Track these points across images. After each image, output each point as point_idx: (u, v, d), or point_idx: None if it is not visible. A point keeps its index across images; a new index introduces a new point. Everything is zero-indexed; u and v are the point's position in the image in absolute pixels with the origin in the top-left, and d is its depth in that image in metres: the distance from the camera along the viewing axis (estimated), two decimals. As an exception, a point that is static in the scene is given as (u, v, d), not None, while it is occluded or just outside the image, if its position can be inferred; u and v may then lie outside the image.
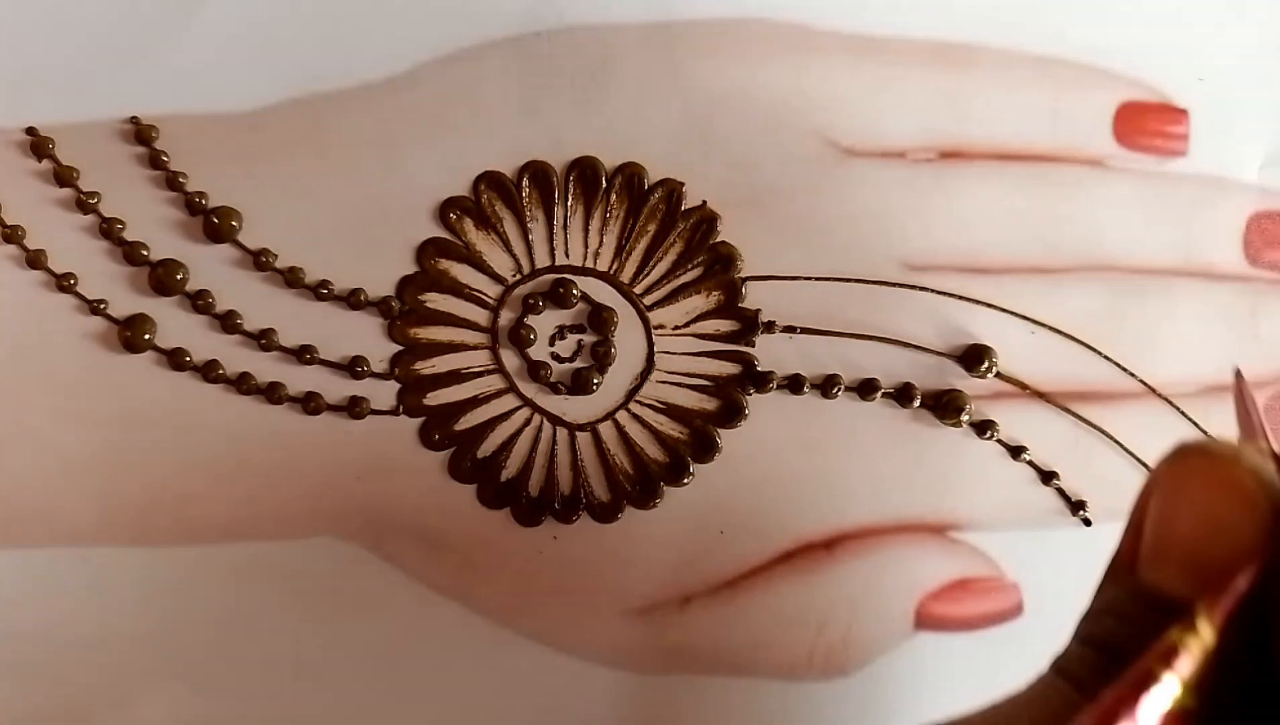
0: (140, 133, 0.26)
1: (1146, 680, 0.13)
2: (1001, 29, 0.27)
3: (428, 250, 0.26)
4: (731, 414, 0.27)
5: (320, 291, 0.26)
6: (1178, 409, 0.27)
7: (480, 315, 0.26)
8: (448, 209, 0.26)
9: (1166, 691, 0.13)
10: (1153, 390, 0.27)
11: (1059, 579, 0.26)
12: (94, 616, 0.25)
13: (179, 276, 0.26)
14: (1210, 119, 0.27)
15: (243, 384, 0.26)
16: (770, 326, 0.27)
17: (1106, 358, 0.27)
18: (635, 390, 0.27)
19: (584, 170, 0.26)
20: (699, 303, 0.27)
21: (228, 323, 0.26)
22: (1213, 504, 0.16)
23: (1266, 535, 0.15)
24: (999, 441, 0.27)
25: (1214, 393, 0.27)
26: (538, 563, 0.26)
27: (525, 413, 0.27)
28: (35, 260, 0.25)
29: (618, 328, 0.26)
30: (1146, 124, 0.27)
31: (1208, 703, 0.14)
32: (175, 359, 0.26)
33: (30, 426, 0.25)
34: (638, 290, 0.27)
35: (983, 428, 0.27)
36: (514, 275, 0.27)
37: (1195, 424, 0.27)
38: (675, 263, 0.27)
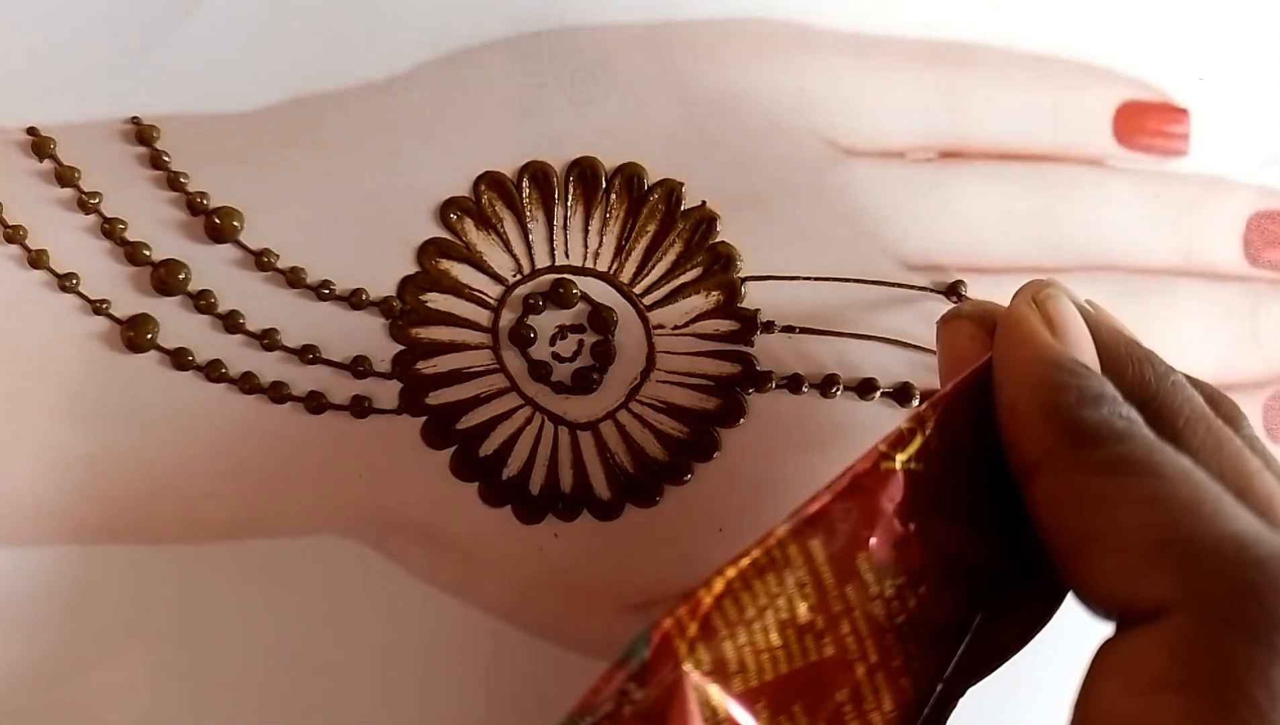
0: (141, 133, 0.26)
1: (874, 455, 0.19)
2: (1001, 28, 0.27)
3: (428, 250, 0.26)
4: (731, 413, 0.27)
5: (322, 291, 0.26)
6: (1177, 408, 0.27)
7: (481, 315, 0.27)
8: (448, 209, 0.26)
9: (894, 464, 0.18)
10: (1152, 389, 0.27)
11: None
12: (95, 615, 0.26)
13: (181, 276, 0.26)
14: (1211, 118, 0.27)
15: (245, 383, 0.26)
16: (769, 326, 0.27)
17: (1106, 357, 0.27)
18: (635, 390, 0.27)
19: (584, 170, 0.26)
20: (698, 302, 0.27)
21: (230, 322, 0.26)
22: (947, 349, 0.22)
23: (986, 352, 0.20)
24: (998, 440, 0.27)
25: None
26: (539, 560, 0.27)
27: (526, 412, 0.27)
28: (37, 260, 0.26)
29: (618, 327, 0.27)
30: (1147, 123, 0.27)
31: (937, 464, 0.19)
32: (178, 359, 0.26)
33: (33, 426, 0.26)
34: (637, 290, 0.27)
35: (982, 427, 0.27)
36: (514, 275, 0.27)
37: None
38: (675, 262, 0.27)
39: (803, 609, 0.18)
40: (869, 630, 0.18)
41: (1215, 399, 0.20)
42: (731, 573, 0.17)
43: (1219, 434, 0.19)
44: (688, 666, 0.17)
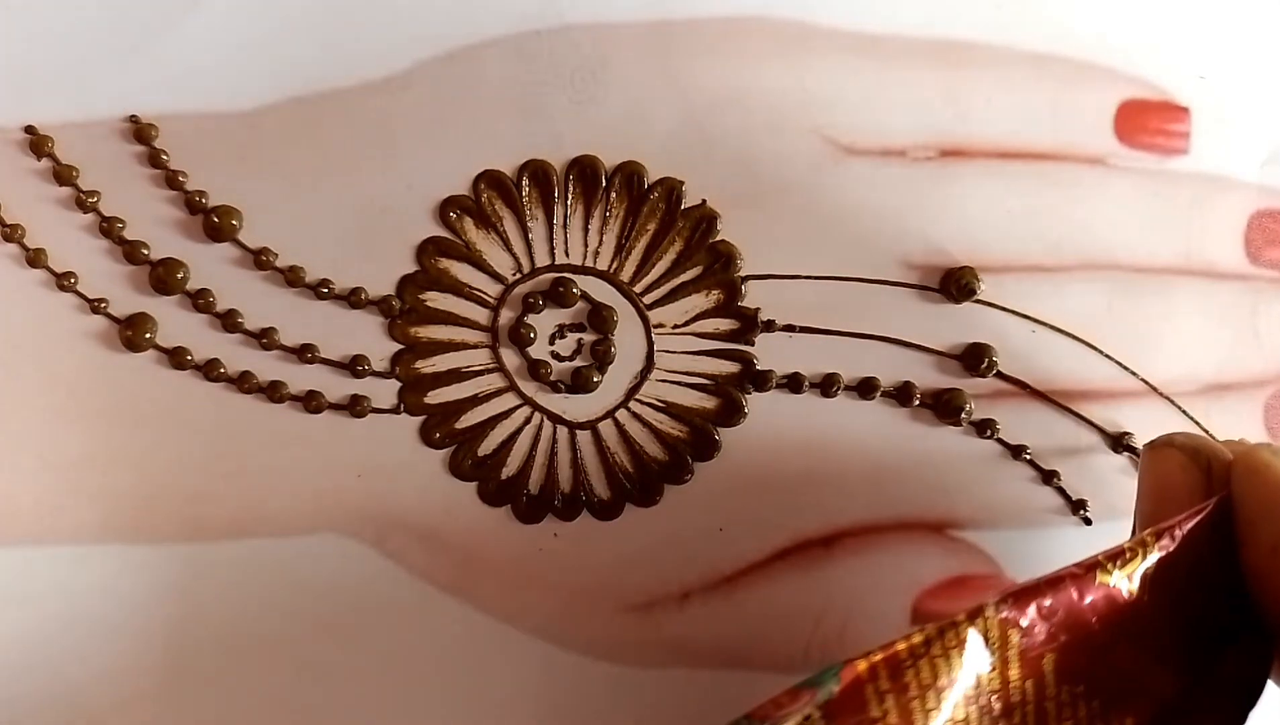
0: (140, 131, 0.26)
1: (1093, 566, 0.19)
2: (1002, 27, 0.27)
3: (428, 249, 0.26)
4: (731, 413, 0.27)
5: (321, 290, 0.26)
6: (1179, 408, 0.27)
7: (480, 314, 0.27)
8: (448, 208, 0.26)
9: (1109, 578, 0.19)
10: (1154, 389, 0.27)
11: (1058, 577, 0.26)
12: (95, 615, 0.26)
13: (179, 275, 0.26)
14: (1212, 117, 0.27)
15: (244, 383, 0.26)
16: (770, 325, 0.27)
17: (1107, 356, 0.27)
18: (635, 389, 0.27)
19: (584, 169, 0.26)
20: (699, 301, 0.27)
21: (228, 321, 0.26)
22: (1154, 477, 0.22)
23: (1199, 488, 0.21)
24: (999, 440, 0.27)
25: (1215, 392, 0.27)
26: (538, 560, 0.27)
27: (525, 411, 0.27)
28: (35, 259, 0.26)
29: (617, 326, 0.27)
30: (1148, 122, 0.27)
31: (1147, 590, 0.19)
32: (176, 358, 0.26)
33: (31, 425, 0.26)
34: (637, 289, 0.27)
35: (983, 427, 0.27)
36: (514, 274, 0.27)
37: (1196, 423, 0.27)
38: (675, 261, 0.27)
39: (986, 690, 0.18)
40: None
41: None
42: (933, 631, 0.18)
43: None
44: (874, 712, 0.17)
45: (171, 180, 0.26)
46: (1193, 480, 0.21)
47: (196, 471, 0.26)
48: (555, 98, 0.26)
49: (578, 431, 0.27)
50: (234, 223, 0.26)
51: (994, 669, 0.18)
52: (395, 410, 0.26)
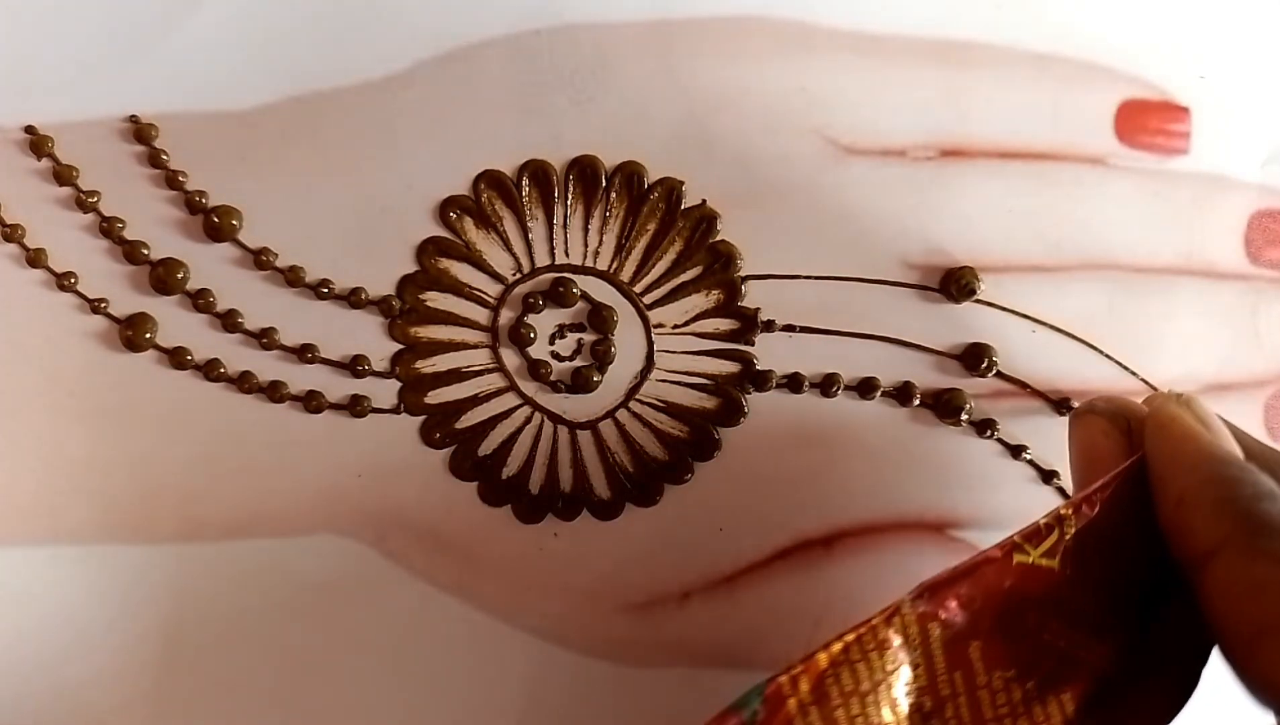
0: (140, 131, 0.26)
1: (1010, 547, 0.18)
2: (1002, 27, 0.27)
3: (428, 249, 0.26)
4: (731, 412, 0.27)
5: (321, 290, 0.26)
6: (1178, 407, 0.27)
7: (480, 314, 0.27)
8: (448, 208, 0.26)
9: (1028, 558, 0.18)
10: (1154, 389, 0.27)
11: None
12: (95, 614, 0.26)
13: (179, 275, 0.26)
14: (1212, 117, 0.27)
15: (244, 383, 0.26)
16: (770, 325, 0.27)
17: (1108, 356, 0.27)
18: (635, 389, 0.27)
19: (584, 169, 0.26)
20: (699, 301, 0.27)
21: (228, 321, 0.26)
22: (1079, 445, 0.23)
23: (1121, 450, 0.21)
24: (999, 440, 0.27)
25: (1215, 392, 0.27)
26: (539, 560, 0.27)
27: (526, 411, 0.27)
28: (35, 259, 0.26)
29: (617, 326, 0.27)
30: (1148, 122, 0.27)
31: (1070, 564, 0.19)
32: (176, 358, 0.26)
33: (31, 425, 0.26)
34: (637, 289, 0.27)
35: (983, 427, 0.27)
36: (514, 274, 0.27)
37: (1195, 422, 0.27)
38: (675, 261, 0.27)
39: (914, 689, 0.18)
40: (971, 718, 0.18)
41: None
42: (851, 638, 0.17)
43: None
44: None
45: (171, 180, 0.26)
46: (1115, 444, 0.22)
47: (196, 471, 0.26)
48: (555, 97, 0.26)
49: (578, 431, 0.27)
50: (234, 223, 0.26)
51: (918, 666, 0.18)
52: (395, 410, 0.26)
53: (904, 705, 0.18)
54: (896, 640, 0.18)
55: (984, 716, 0.18)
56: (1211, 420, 0.21)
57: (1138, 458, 0.20)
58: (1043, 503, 0.27)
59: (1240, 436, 0.21)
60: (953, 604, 0.18)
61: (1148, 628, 0.20)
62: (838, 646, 0.17)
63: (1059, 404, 0.27)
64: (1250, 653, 0.17)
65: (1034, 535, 0.19)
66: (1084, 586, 0.19)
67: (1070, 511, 0.19)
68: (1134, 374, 0.27)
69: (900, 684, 0.18)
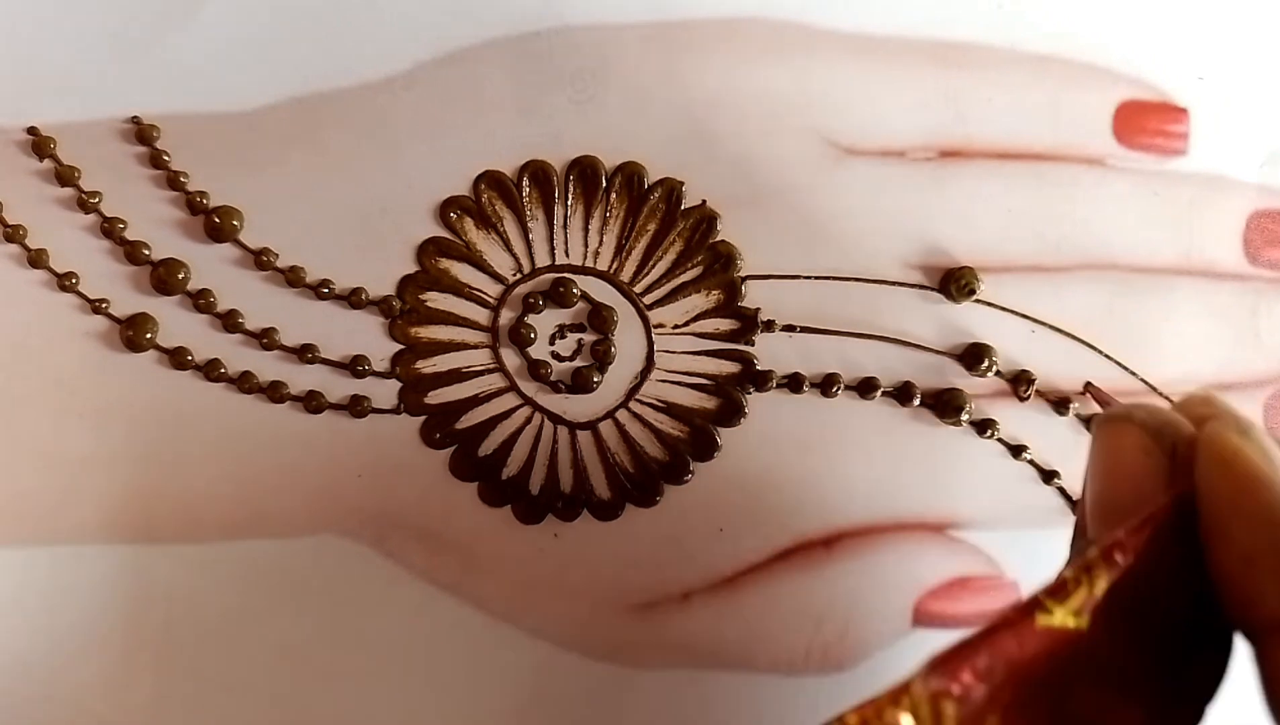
0: (141, 132, 0.26)
1: (1031, 607, 0.15)
2: (1001, 28, 0.27)
3: (428, 249, 0.26)
4: (731, 413, 0.27)
5: (321, 291, 0.26)
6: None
7: (481, 314, 0.27)
8: (448, 208, 0.26)
9: (1052, 618, 0.15)
10: (1154, 389, 0.27)
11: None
12: (96, 614, 0.26)
13: (180, 276, 0.26)
14: (1210, 118, 0.27)
15: (244, 383, 0.26)
16: (770, 325, 0.27)
17: (1107, 357, 0.27)
18: (635, 389, 0.27)
19: (584, 169, 0.26)
20: (699, 302, 0.27)
21: (229, 322, 0.26)
22: (1109, 458, 0.19)
23: (1162, 474, 0.18)
24: (999, 440, 0.27)
25: (1215, 391, 0.27)
26: (539, 560, 0.27)
27: (526, 411, 0.27)
28: (37, 260, 0.26)
29: (618, 327, 0.27)
30: (1146, 123, 0.27)
31: (1099, 622, 0.16)
32: (177, 358, 0.26)
33: (32, 425, 0.26)
34: (638, 289, 0.27)
35: (983, 427, 0.27)
36: (514, 274, 0.27)
37: (1196, 422, 0.27)
38: (675, 262, 0.27)
39: None
40: None
41: None
42: (854, 720, 0.15)
43: None
44: None
45: (173, 181, 0.26)
46: (1155, 466, 0.18)
47: (197, 471, 0.26)
48: (555, 98, 0.26)
49: (578, 432, 0.27)
50: (235, 223, 0.26)
51: None
52: (396, 410, 0.26)
53: None
54: (907, 722, 0.15)
55: None
56: (1276, 456, 0.17)
57: (1185, 494, 0.17)
58: (1043, 503, 0.27)
59: None
60: (968, 677, 0.16)
61: (1178, 683, 0.18)
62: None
63: (1059, 404, 0.27)
64: None
65: (1058, 590, 0.16)
66: (1114, 645, 0.17)
67: (1099, 558, 0.16)
68: (1134, 374, 0.27)
69: None
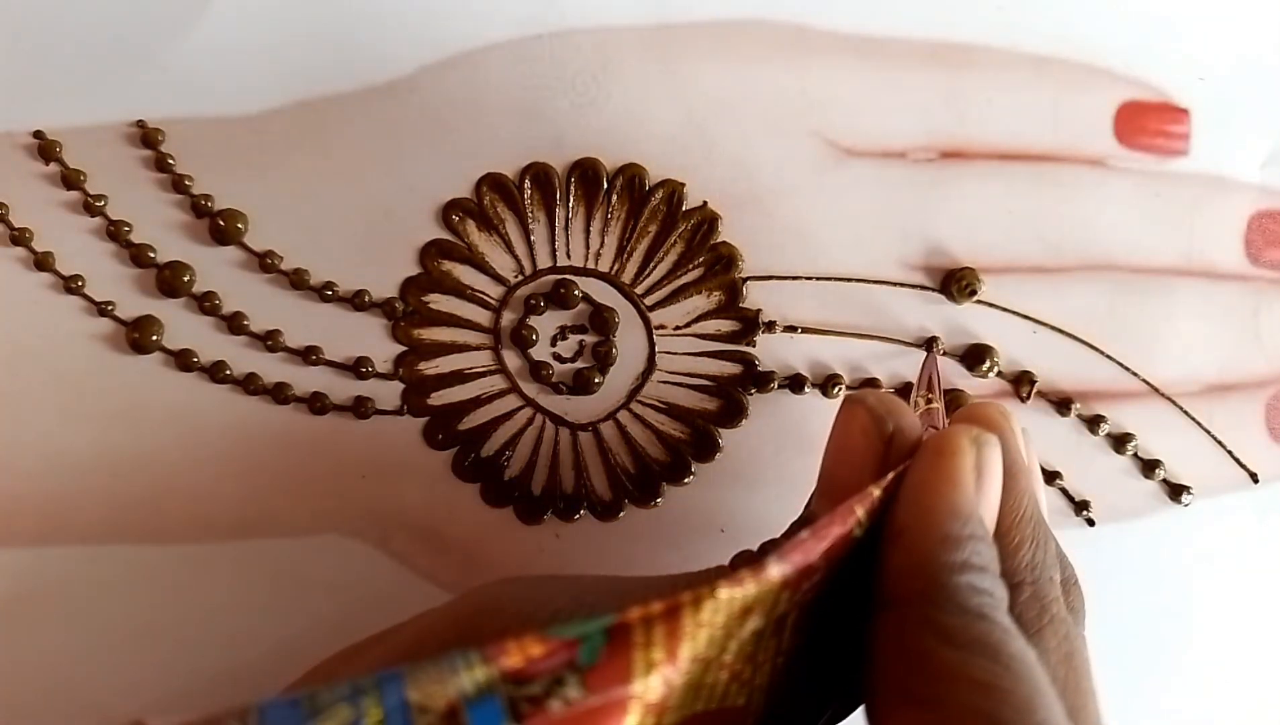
0: (147, 136, 0.26)
1: (740, 576, 0.15)
2: (1002, 29, 0.27)
3: (431, 251, 0.26)
4: (732, 414, 0.27)
5: (325, 293, 0.26)
6: (1180, 408, 0.27)
7: (483, 316, 0.27)
8: (450, 210, 0.26)
9: (765, 580, 0.15)
10: (1155, 389, 0.27)
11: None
12: (103, 615, 0.26)
13: (186, 278, 0.26)
14: (1211, 118, 0.27)
15: (249, 384, 0.26)
16: (771, 326, 0.27)
17: (1109, 357, 0.27)
18: (636, 390, 0.27)
19: (585, 171, 0.26)
20: (700, 303, 0.27)
21: (234, 324, 0.26)
22: (837, 434, 0.20)
23: (874, 456, 0.19)
24: (1000, 441, 0.27)
25: (1217, 392, 0.27)
26: (540, 560, 0.27)
27: (527, 412, 0.27)
28: (43, 262, 0.26)
29: (619, 328, 0.27)
30: (1147, 123, 0.27)
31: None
32: (182, 360, 0.26)
33: (39, 427, 0.26)
34: (639, 290, 0.27)
35: (983, 427, 0.27)
36: (516, 276, 0.27)
37: (1198, 423, 0.27)
38: (676, 263, 0.27)
39: (744, 654, 0.16)
40: (766, 685, 0.17)
41: (1069, 584, 0.20)
42: (724, 593, 0.15)
43: (1072, 644, 0.18)
44: (637, 688, 0.14)
45: (178, 184, 0.26)
46: (870, 447, 0.19)
47: (202, 472, 0.26)
48: (557, 101, 0.26)
49: (579, 432, 0.27)
50: (240, 226, 0.26)
51: (761, 633, 0.16)
52: (399, 412, 0.26)
53: (732, 668, 0.16)
54: (758, 605, 0.16)
55: (772, 683, 0.17)
56: (990, 476, 0.19)
57: (900, 472, 0.18)
58: (1043, 503, 0.27)
59: (1020, 499, 0.19)
60: (804, 578, 0.16)
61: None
62: (707, 594, 0.15)
63: (1060, 404, 0.27)
64: (888, 713, 0.16)
65: (737, 583, 0.15)
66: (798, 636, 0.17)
67: (785, 569, 0.15)
68: (1135, 375, 0.27)
69: (735, 647, 0.16)
